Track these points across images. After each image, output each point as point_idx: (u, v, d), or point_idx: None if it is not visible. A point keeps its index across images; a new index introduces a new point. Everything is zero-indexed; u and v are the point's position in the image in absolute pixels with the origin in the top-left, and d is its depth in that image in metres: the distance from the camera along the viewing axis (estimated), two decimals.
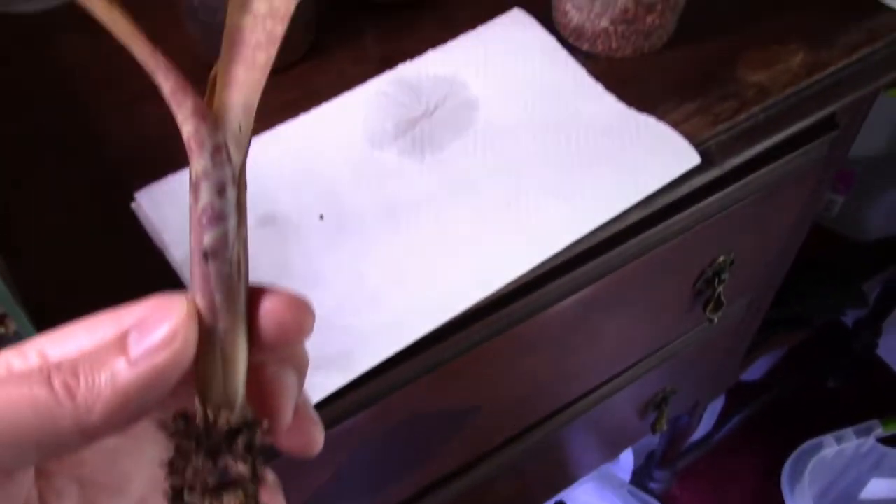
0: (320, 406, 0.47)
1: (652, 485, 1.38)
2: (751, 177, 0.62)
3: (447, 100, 0.57)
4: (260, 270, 0.50)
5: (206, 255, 0.24)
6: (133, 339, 0.23)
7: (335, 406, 0.49)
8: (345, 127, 0.56)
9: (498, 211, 0.52)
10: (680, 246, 0.64)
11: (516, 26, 0.61)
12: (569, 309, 0.61)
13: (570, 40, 0.61)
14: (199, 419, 0.25)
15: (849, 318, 1.53)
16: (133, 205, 0.52)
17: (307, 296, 0.47)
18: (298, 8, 0.22)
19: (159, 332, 0.23)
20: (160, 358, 0.23)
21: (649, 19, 0.58)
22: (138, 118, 0.58)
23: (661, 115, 0.56)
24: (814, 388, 1.55)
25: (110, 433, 0.23)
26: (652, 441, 1.34)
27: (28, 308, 0.47)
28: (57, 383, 0.22)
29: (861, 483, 1.33)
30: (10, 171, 0.56)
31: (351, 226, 0.51)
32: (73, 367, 0.23)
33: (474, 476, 0.77)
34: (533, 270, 0.51)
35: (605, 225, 0.52)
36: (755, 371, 1.52)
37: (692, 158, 0.54)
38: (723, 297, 0.75)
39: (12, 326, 0.42)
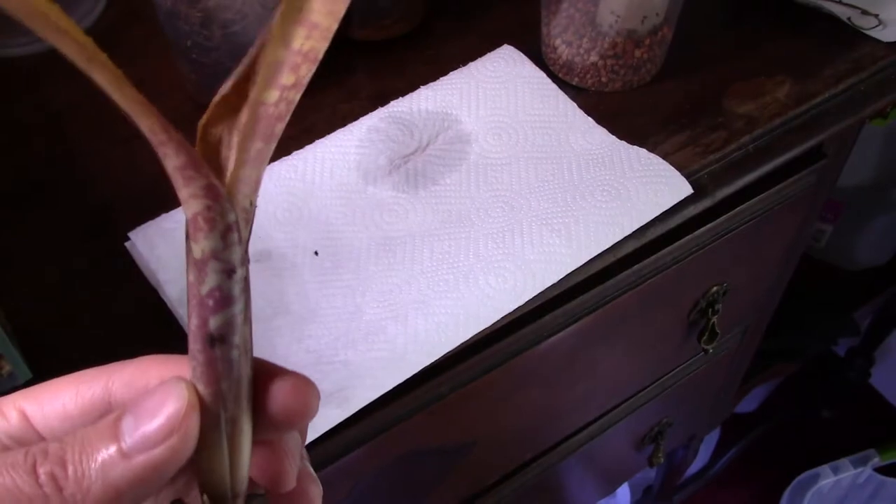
0: (317, 444, 0.46)
1: None
2: (742, 206, 0.63)
3: (440, 135, 0.58)
4: (255, 308, 0.49)
5: (212, 341, 0.22)
6: (127, 426, 0.21)
7: (331, 443, 0.49)
8: (338, 163, 0.56)
9: (493, 243, 0.52)
10: (674, 276, 0.64)
11: (507, 62, 0.62)
12: (564, 341, 0.61)
13: (560, 75, 0.62)
14: None
15: (841, 347, 1.53)
16: (127, 244, 0.52)
17: (303, 331, 0.46)
18: None
19: (156, 422, 0.21)
20: (157, 452, 0.21)
21: (638, 53, 0.59)
22: (130, 158, 0.58)
23: (652, 147, 0.57)
24: (808, 418, 1.55)
25: None
26: (648, 475, 1.34)
27: (22, 348, 0.46)
28: (43, 474, 0.20)
29: None
30: (2, 211, 0.56)
31: (346, 261, 0.51)
32: (60, 455, 0.21)
33: None
34: (528, 303, 0.51)
35: (600, 256, 0.52)
36: (749, 403, 1.52)
37: (685, 189, 0.54)
38: (717, 328, 0.75)
39: (7, 367, 0.42)
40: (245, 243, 0.22)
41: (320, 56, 0.20)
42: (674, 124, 0.59)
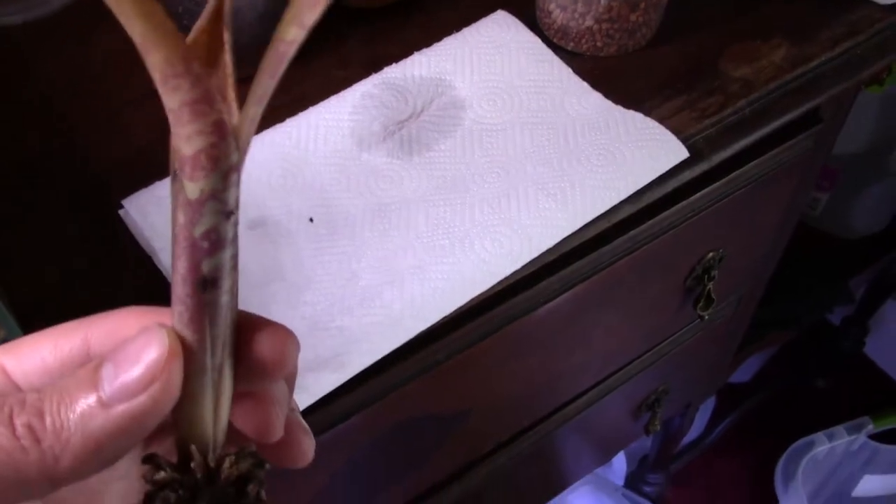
0: (312, 410, 0.46)
1: (646, 488, 1.37)
2: (738, 171, 0.62)
3: (434, 100, 0.57)
4: (250, 274, 0.49)
5: (204, 285, 0.21)
6: (107, 374, 0.20)
7: (328, 410, 0.49)
8: (332, 130, 0.56)
9: (488, 208, 0.52)
10: (670, 242, 0.64)
11: (501, 27, 0.61)
12: (561, 307, 0.61)
13: (555, 40, 0.61)
14: (196, 465, 0.22)
15: (836, 316, 1.54)
16: (121, 212, 0.52)
17: (298, 298, 0.46)
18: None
19: (137, 370, 0.20)
20: (138, 402, 0.20)
21: (633, 17, 0.58)
22: (124, 126, 0.58)
23: (648, 112, 0.56)
24: (803, 387, 1.56)
25: (81, 479, 0.20)
26: (644, 445, 1.34)
27: (17, 314, 0.46)
28: (20, 425, 0.19)
29: (854, 480, 1.34)
30: None
31: (341, 228, 0.51)
32: (37, 406, 0.20)
33: (466, 484, 0.76)
34: (524, 268, 0.51)
35: (595, 222, 0.52)
36: (744, 373, 1.53)
37: (681, 152, 0.54)
38: (713, 294, 0.75)
39: (1, 332, 0.41)
40: (240, 188, 0.21)
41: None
42: (669, 88, 0.59)
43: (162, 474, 0.22)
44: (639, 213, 0.56)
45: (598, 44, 0.60)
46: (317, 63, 0.61)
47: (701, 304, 0.76)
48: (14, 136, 0.58)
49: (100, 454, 0.20)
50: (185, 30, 0.60)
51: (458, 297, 0.49)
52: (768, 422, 1.51)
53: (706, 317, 0.77)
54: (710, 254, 0.72)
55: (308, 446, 0.26)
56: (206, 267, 0.21)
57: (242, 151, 0.21)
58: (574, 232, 0.52)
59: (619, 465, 1.37)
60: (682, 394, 1.04)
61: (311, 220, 0.52)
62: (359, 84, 0.58)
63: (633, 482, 1.39)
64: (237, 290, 0.22)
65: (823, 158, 0.77)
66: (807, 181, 0.77)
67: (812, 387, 1.56)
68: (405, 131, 0.56)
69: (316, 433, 0.53)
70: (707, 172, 0.57)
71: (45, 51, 0.63)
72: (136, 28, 0.18)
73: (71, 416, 0.20)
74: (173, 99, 0.19)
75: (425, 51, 0.60)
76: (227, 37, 0.20)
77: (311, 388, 0.45)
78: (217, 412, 0.23)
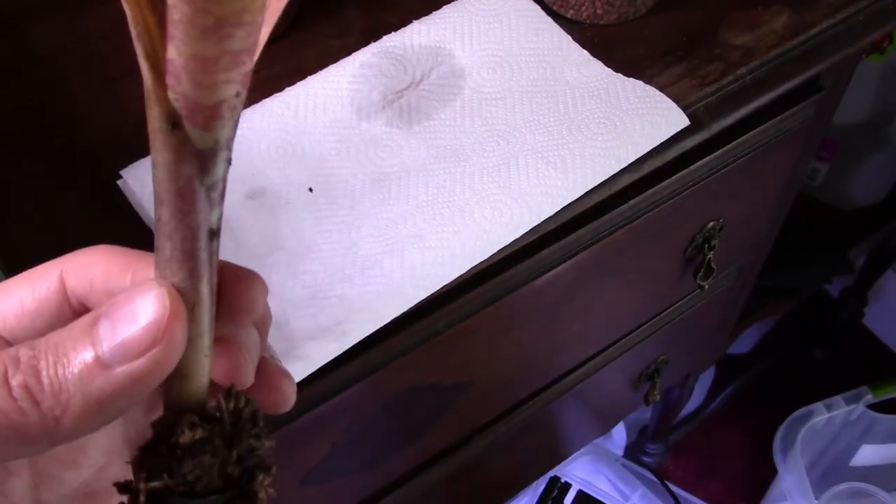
0: (315, 379, 0.46)
1: (645, 459, 1.38)
2: (739, 139, 0.62)
3: (433, 69, 0.57)
4: (251, 244, 0.49)
5: (212, 235, 0.21)
6: (104, 331, 0.20)
7: (329, 379, 0.49)
8: (331, 99, 0.55)
9: (488, 177, 0.51)
10: (670, 211, 0.64)
11: None
12: (561, 277, 0.61)
13: (555, 8, 0.61)
14: (222, 412, 0.22)
15: (835, 288, 1.54)
16: (119, 182, 0.51)
17: (298, 267, 0.46)
18: None
19: (136, 330, 0.20)
20: (139, 364, 0.19)
21: None
22: (121, 97, 0.57)
23: (648, 80, 0.56)
24: (802, 358, 1.56)
25: (82, 436, 0.20)
26: (644, 416, 1.35)
27: None
28: (16, 386, 0.19)
29: (852, 449, 1.34)
30: None
31: (341, 197, 0.51)
32: (33, 364, 0.19)
33: (467, 453, 0.77)
34: (524, 237, 0.51)
35: (596, 190, 0.52)
36: (744, 343, 1.53)
37: (681, 120, 0.54)
38: (713, 264, 0.75)
39: None
40: None
41: None
42: (670, 56, 0.58)
43: (199, 431, 0.21)
44: (639, 181, 0.55)
45: (599, 11, 0.59)
46: (315, 32, 0.60)
47: (701, 274, 0.76)
48: (11, 106, 0.58)
49: (101, 414, 0.20)
50: None
51: (458, 266, 0.49)
52: (767, 392, 1.52)
53: (706, 286, 0.77)
54: (711, 223, 0.72)
55: (289, 389, 0.26)
56: (214, 217, 0.21)
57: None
58: (574, 200, 0.52)
59: (619, 435, 1.38)
60: (681, 364, 1.05)
61: (311, 189, 0.51)
62: (358, 53, 0.58)
63: (632, 452, 1.39)
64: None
65: (824, 127, 0.77)
66: (807, 150, 0.77)
67: (811, 357, 1.57)
68: (404, 100, 0.55)
69: (317, 402, 0.53)
70: (707, 141, 0.57)
71: (38, 22, 0.62)
72: None
73: (69, 376, 0.19)
74: (217, 47, 0.18)
75: (424, 19, 0.60)
76: None
77: (312, 356, 0.45)
78: (206, 364, 0.22)
